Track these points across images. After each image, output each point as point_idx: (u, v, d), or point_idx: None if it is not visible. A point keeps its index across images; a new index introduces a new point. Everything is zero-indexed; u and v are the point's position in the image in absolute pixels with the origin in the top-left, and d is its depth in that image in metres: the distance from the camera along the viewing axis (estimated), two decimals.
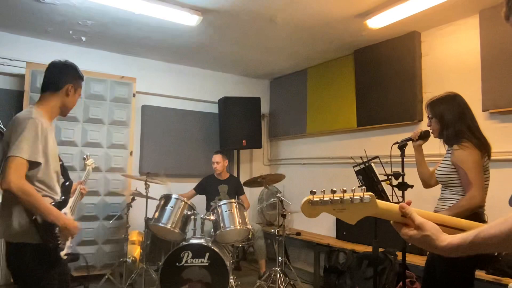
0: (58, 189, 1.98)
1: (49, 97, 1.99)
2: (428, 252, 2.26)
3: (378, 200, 0.99)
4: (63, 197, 1.99)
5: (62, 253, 1.88)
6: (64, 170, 2.13)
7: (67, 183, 2.08)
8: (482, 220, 2.08)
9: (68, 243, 1.94)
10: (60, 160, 2.14)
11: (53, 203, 1.88)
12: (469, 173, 2.02)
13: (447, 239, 0.95)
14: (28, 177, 1.78)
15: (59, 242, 1.83)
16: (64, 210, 1.94)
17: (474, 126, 2.14)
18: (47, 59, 4.46)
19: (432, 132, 2.29)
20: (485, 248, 0.91)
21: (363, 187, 0.99)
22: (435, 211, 2.16)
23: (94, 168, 2.63)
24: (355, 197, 0.97)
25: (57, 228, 1.81)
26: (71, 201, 2.06)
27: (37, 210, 1.76)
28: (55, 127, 4.12)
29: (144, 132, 4.89)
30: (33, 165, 1.79)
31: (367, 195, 0.97)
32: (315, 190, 0.97)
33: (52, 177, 1.91)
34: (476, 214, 2.05)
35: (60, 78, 2.01)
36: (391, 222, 1.04)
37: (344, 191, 0.97)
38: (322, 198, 0.97)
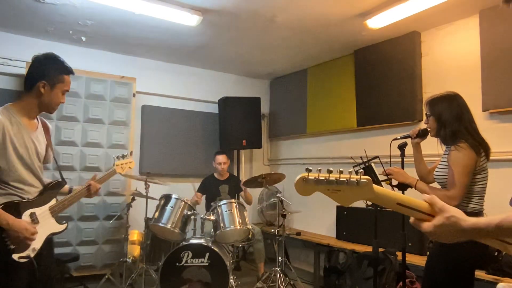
0: (31, 188, 1.87)
1: (24, 96, 1.88)
2: (428, 252, 2.25)
3: (375, 185, 0.97)
4: (35, 197, 1.88)
5: (16, 256, 1.73)
6: (59, 170, 2.11)
7: (51, 183, 1.99)
8: None
9: (33, 245, 1.80)
10: (55, 161, 2.11)
11: (2, 203, 1.74)
12: (456, 175, 2.02)
13: (472, 219, 0.94)
14: None
15: (7, 244, 1.71)
16: (32, 210, 1.85)
17: (472, 127, 2.13)
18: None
19: (429, 131, 2.28)
20: (510, 233, 0.89)
21: (360, 170, 0.97)
22: None
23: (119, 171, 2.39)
24: (351, 179, 0.94)
25: (4, 230, 1.70)
26: (55, 200, 1.98)
27: None
28: (55, 127, 4.13)
29: (144, 132, 4.89)
30: None
31: (364, 178, 0.95)
32: (311, 168, 0.95)
33: (19, 177, 1.82)
34: (475, 214, 2.05)
35: (32, 76, 1.87)
36: (411, 220, 1.01)
37: (341, 172, 0.95)
38: (317, 177, 0.94)
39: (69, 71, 1.96)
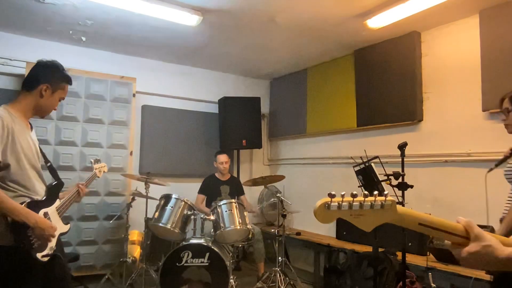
0: (38, 188, 1.90)
1: (23, 96, 1.92)
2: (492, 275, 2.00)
3: (398, 206, 0.93)
4: (44, 197, 1.91)
5: (40, 255, 1.77)
6: (53, 171, 2.10)
7: (54, 184, 2.01)
8: None
9: (50, 244, 1.83)
10: (48, 161, 2.13)
11: (25, 202, 1.77)
12: None
13: (508, 249, 0.88)
14: None
15: (32, 243, 1.74)
16: (45, 210, 1.87)
17: None
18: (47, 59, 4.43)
19: (506, 127, 2.13)
20: None
21: (386, 192, 0.91)
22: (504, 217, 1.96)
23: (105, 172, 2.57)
24: (376, 202, 0.90)
25: (30, 228, 1.72)
26: (59, 201, 2.01)
27: (1, 209, 1.67)
28: (55, 127, 4.13)
29: (144, 132, 4.89)
30: None
31: (389, 200, 0.91)
32: (334, 193, 0.88)
33: (28, 177, 1.84)
34: None
35: (36, 78, 1.93)
36: (451, 249, 0.95)
37: (366, 195, 0.90)
38: (340, 203, 0.88)
39: (70, 81, 2.06)
